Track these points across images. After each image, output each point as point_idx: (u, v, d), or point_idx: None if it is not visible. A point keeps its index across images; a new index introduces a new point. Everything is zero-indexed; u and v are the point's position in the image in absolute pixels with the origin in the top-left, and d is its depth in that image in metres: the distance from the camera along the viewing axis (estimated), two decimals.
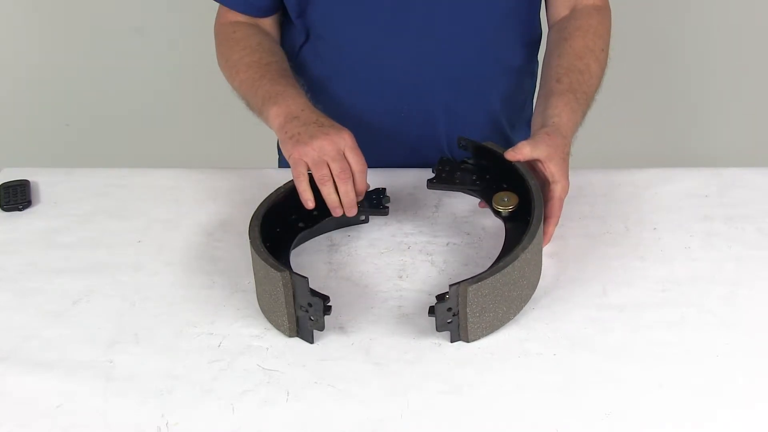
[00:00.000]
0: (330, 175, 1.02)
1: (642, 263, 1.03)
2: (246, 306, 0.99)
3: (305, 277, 0.90)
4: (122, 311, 1.00)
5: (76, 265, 1.08)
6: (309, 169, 1.04)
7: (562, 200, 1.03)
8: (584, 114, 1.12)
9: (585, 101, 1.12)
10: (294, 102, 1.10)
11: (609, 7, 1.25)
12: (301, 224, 1.07)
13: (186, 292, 1.02)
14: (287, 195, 1.07)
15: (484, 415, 0.84)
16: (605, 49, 1.19)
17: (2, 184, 1.24)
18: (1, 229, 1.16)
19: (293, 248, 1.05)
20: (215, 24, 1.28)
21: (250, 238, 0.98)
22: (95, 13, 2.25)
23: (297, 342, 0.94)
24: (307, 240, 1.09)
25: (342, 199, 1.03)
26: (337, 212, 1.05)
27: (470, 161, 1.11)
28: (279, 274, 0.91)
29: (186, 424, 0.84)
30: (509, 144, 1.35)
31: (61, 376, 0.90)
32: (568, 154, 1.06)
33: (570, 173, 1.18)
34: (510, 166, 1.04)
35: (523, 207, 1.01)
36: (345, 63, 1.23)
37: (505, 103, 1.30)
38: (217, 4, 1.27)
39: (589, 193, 1.16)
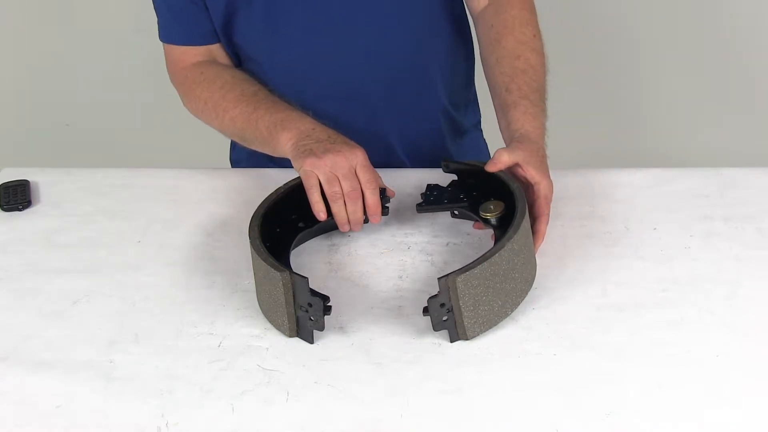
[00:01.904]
0: (341, 192, 1.03)
1: (642, 263, 1.03)
2: (246, 306, 0.99)
3: (305, 277, 0.90)
4: (122, 311, 1.00)
5: (76, 265, 1.08)
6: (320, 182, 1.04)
7: (548, 199, 1.04)
8: (544, 110, 1.14)
9: (540, 98, 1.14)
10: (302, 123, 1.10)
11: None
12: (301, 224, 1.07)
13: (186, 292, 1.02)
14: (287, 195, 1.07)
15: (484, 415, 0.84)
16: (537, 34, 1.19)
17: (2, 184, 1.24)
18: (1, 229, 1.16)
19: (293, 248, 1.05)
20: (172, 71, 1.28)
21: (250, 238, 0.98)
22: (95, 13, 2.25)
23: (297, 342, 0.94)
24: (307, 240, 1.09)
25: (350, 217, 1.04)
26: (344, 228, 1.05)
27: (457, 182, 1.12)
28: (279, 274, 0.91)
29: (186, 424, 0.84)
30: (458, 127, 1.37)
31: (61, 376, 0.90)
32: (544, 156, 1.07)
33: (570, 173, 1.19)
34: (492, 177, 1.05)
35: (510, 213, 1.01)
36: (279, 79, 1.23)
37: (446, 86, 1.31)
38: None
39: (589, 193, 1.16)
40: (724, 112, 2.33)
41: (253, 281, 1.01)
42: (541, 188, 1.04)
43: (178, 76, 1.27)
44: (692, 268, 1.02)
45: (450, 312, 0.90)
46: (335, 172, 1.03)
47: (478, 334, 0.92)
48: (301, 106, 1.16)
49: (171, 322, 0.98)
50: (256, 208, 1.04)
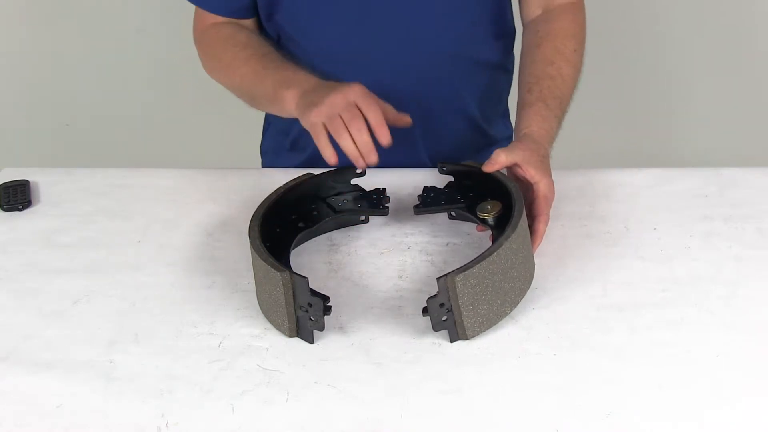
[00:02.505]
0: (343, 124, 1.00)
1: (642, 263, 1.03)
2: (246, 306, 0.99)
3: (305, 277, 0.90)
4: (122, 311, 1.00)
5: (76, 265, 1.08)
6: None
7: (547, 198, 1.04)
8: (559, 117, 1.14)
9: (558, 106, 1.14)
10: (306, 81, 1.10)
11: (582, 2, 1.25)
12: (301, 224, 1.07)
13: (186, 292, 1.02)
14: (287, 195, 1.07)
15: (484, 415, 0.84)
16: (578, 49, 1.20)
17: (2, 184, 1.24)
18: (1, 229, 1.16)
19: (293, 248, 1.05)
20: (195, 32, 1.28)
21: (250, 238, 0.98)
22: (95, 13, 2.25)
23: (297, 342, 0.94)
24: (307, 240, 1.09)
25: (360, 149, 1.00)
26: (359, 163, 1.01)
27: (453, 184, 1.12)
28: (279, 274, 0.91)
29: (186, 424, 0.84)
30: (487, 139, 1.36)
31: (61, 376, 0.90)
32: (545, 156, 1.07)
33: (570, 173, 1.19)
34: (489, 177, 1.06)
35: (508, 213, 1.01)
36: (315, 64, 1.23)
37: (480, 99, 1.31)
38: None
39: (589, 193, 1.16)
40: (724, 112, 2.33)
41: (253, 281, 1.01)
42: (540, 187, 1.04)
43: (197, 35, 1.27)
44: (692, 268, 1.02)
45: (449, 312, 0.90)
46: (334, 109, 1.01)
47: (478, 334, 0.92)
48: None
49: (171, 322, 0.98)
50: (256, 208, 1.04)
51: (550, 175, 1.05)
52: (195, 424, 0.84)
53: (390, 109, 1.05)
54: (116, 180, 1.26)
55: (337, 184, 1.11)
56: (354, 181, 1.11)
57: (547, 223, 1.04)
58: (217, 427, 0.84)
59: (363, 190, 1.11)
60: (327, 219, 1.08)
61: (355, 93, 1.02)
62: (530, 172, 1.04)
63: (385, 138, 1.01)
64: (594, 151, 2.25)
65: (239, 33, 1.23)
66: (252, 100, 1.21)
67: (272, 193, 1.06)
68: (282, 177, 1.13)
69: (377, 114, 1.01)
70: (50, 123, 2.40)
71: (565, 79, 1.16)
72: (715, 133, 2.35)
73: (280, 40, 1.27)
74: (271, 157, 1.42)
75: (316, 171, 1.11)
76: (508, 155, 1.04)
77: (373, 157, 1.01)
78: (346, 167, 1.10)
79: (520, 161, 1.04)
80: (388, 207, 1.08)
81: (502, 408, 0.84)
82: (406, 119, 1.07)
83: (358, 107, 1.01)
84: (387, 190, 1.11)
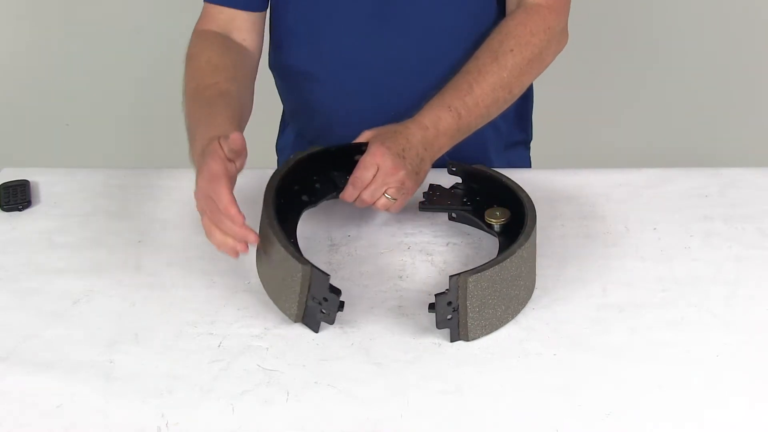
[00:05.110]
0: (210, 224, 0.97)
1: (642, 263, 1.03)
2: (246, 306, 0.99)
3: (327, 275, 0.90)
4: (122, 311, 1.00)
5: (76, 265, 1.08)
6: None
7: (365, 163, 1.03)
8: (455, 107, 1.10)
9: (455, 96, 1.11)
10: (194, 150, 1.05)
11: (554, 6, 1.18)
12: (304, 197, 1.07)
13: (186, 292, 1.02)
14: (296, 168, 1.06)
15: (484, 415, 0.84)
16: (516, 48, 1.14)
17: (2, 184, 1.24)
18: (1, 229, 1.16)
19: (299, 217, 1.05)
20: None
21: (267, 219, 0.97)
22: (95, 13, 2.25)
23: (297, 342, 0.93)
24: (310, 207, 1.08)
25: (232, 245, 0.97)
26: (232, 254, 0.97)
27: (460, 185, 1.12)
28: (301, 267, 0.90)
29: (186, 424, 0.84)
30: (504, 141, 1.34)
31: (61, 376, 0.90)
32: (399, 133, 1.06)
33: (570, 173, 1.19)
34: (498, 183, 1.06)
35: (515, 222, 1.01)
36: (324, 67, 1.23)
37: None
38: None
39: (589, 193, 1.16)
40: (724, 112, 2.33)
41: (253, 281, 1.01)
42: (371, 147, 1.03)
43: (192, 36, 1.28)
44: (692, 268, 1.02)
45: (455, 311, 0.91)
46: (198, 207, 0.98)
47: (479, 337, 0.92)
48: (343, 101, 1.19)
49: (171, 322, 0.98)
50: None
51: (387, 146, 1.03)
52: (195, 424, 0.84)
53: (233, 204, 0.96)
54: (116, 180, 1.26)
55: (339, 160, 1.10)
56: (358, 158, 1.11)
57: (360, 188, 1.03)
58: (217, 427, 0.84)
59: None
60: (329, 195, 1.08)
61: (202, 178, 0.97)
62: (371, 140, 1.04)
63: (253, 240, 0.96)
64: (594, 151, 2.26)
65: (201, 55, 1.20)
66: None
67: (272, 176, 1.05)
68: None
69: (224, 201, 0.94)
70: (50, 123, 2.40)
71: (481, 71, 1.12)
72: (715, 133, 2.35)
73: (291, 42, 1.25)
74: (287, 155, 1.41)
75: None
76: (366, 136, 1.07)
77: (244, 248, 0.96)
78: (353, 144, 1.09)
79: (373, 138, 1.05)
80: None
81: (502, 408, 0.84)
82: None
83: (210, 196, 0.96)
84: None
